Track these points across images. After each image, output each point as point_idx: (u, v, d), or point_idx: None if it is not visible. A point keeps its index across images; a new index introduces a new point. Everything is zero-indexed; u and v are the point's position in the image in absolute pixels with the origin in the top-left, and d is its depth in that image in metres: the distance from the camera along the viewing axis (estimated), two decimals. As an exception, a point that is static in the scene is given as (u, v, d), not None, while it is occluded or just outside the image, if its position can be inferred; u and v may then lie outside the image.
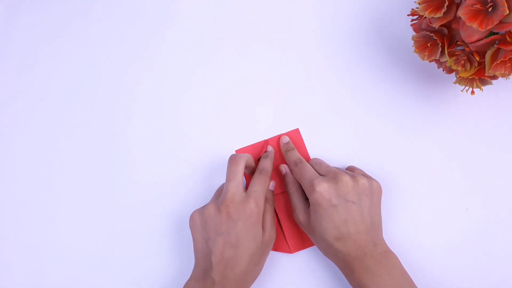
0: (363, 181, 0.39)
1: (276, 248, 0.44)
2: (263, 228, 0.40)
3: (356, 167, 0.44)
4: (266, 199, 0.42)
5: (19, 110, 0.49)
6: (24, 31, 0.51)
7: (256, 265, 0.39)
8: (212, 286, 0.36)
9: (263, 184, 0.40)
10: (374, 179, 0.41)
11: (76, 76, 0.50)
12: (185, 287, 0.38)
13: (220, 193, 0.42)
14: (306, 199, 0.41)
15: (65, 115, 0.49)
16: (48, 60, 0.50)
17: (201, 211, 0.40)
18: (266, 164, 0.43)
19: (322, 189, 0.37)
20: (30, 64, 0.50)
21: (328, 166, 0.41)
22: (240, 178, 0.39)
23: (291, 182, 0.43)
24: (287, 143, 0.44)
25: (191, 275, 0.39)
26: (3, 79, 0.50)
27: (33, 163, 0.48)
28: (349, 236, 0.37)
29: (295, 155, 0.43)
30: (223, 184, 0.43)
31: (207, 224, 0.39)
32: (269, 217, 0.41)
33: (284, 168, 0.44)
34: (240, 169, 0.40)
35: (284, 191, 0.45)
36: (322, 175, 0.40)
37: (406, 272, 0.38)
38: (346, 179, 0.38)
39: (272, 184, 0.44)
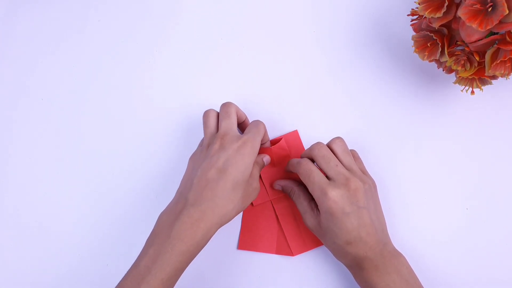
0: (369, 182, 0.39)
1: (278, 251, 0.44)
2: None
3: (358, 156, 0.43)
4: (255, 162, 0.40)
5: (19, 110, 0.49)
6: (24, 30, 0.51)
7: (238, 196, 0.37)
8: (183, 206, 0.35)
9: (258, 128, 0.40)
10: (369, 175, 0.42)
11: (76, 75, 0.50)
12: (159, 216, 0.37)
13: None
14: (310, 201, 0.41)
15: (65, 114, 0.49)
16: (48, 59, 0.50)
17: (197, 151, 0.40)
18: (259, 122, 0.42)
19: (335, 197, 0.37)
20: (30, 63, 0.50)
21: (336, 164, 0.39)
22: (233, 119, 0.39)
23: (292, 190, 0.42)
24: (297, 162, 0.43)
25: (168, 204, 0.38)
26: (3, 79, 0.50)
27: (33, 163, 0.48)
28: (360, 240, 0.37)
29: (292, 160, 0.42)
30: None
31: (200, 154, 0.39)
32: (255, 170, 0.40)
33: (278, 184, 0.44)
34: (233, 110, 0.40)
35: (284, 194, 0.45)
36: (329, 178, 0.38)
37: (413, 271, 0.38)
38: (358, 184, 0.37)
39: (266, 158, 0.43)
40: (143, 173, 0.47)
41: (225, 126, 0.39)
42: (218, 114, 0.42)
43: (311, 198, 0.41)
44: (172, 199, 0.38)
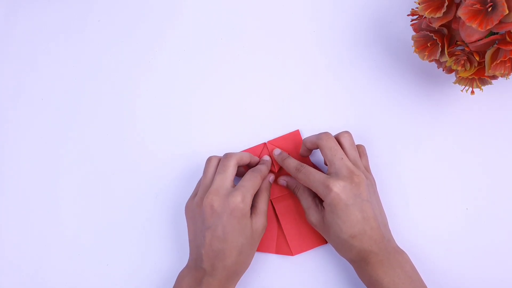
0: (370, 177, 0.40)
1: (277, 250, 0.44)
2: (253, 214, 0.40)
3: (365, 152, 0.43)
4: (262, 189, 0.42)
5: (20, 110, 0.49)
6: (24, 30, 0.51)
7: (246, 256, 0.39)
8: (203, 275, 0.37)
9: (253, 181, 0.40)
10: (371, 174, 0.42)
11: (76, 75, 0.50)
12: (180, 274, 0.39)
13: (205, 187, 0.41)
14: (314, 197, 0.41)
15: (65, 114, 0.49)
16: (48, 59, 0.50)
17: (192, 202, 0.41)
18: (261, 167, 0.43)
19: (339, 190, 0.37)
20: (30, 63, 0.50)
21: (341, 157, 0.39)
22: (229, 173, 0.39)
23: (297, 186, 0.43)
24: (280, 153, 0.43)
25: (186, 264, 0.40)
26: (3, 78, 0.50)
27: (32, 163, 0.48)
28: (364, 233, 0.37)
29: (293, 162, 0.42)
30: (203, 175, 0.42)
31: (195, 216, 0.39)
32: (262, 205, 0.41)
33: (282, 180, 0.44)
34: (231, 164, 0.40)
35: (284, 193, 0.45)
36: (332, 172, 0.39)
37: (415, 268, 0.38)
38: (361, 178, 0.38)
39: (271, 177, 0.44)
40: (143, 173, 0.47)
41: (218, 182, 0.39)
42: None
43: (315, 195, 0.41)
44: (189, 263, 0.40)
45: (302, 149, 0.43)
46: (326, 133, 0.40)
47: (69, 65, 0.50)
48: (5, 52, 0.51)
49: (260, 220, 0.40)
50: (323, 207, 0.39)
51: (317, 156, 0.46)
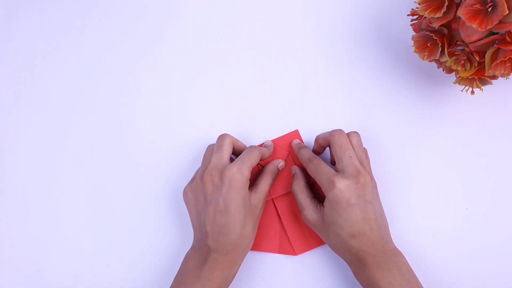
0: (374, 179, 0.40)
1: (280, 250, 0.44)
2: (253, 192, 0.41)
3: (367, 155, 0.44)
4: (267, 171, 0.43)
5: (19, 110, 0.49)
6: (24, 30, 0.51)
7: (250, 230, 0.39)
8: (208, 252, 0.38)
9: (249, 154, 0.40)
10: (373, 176, 0.42)
11: (76, 75, 0.50)
12: (186, 256, 0.40)
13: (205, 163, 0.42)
14: (313, 197, 0.41)
15: (65, 114, 0.49)
16: (48, 59, 0.50)
17: (191, 184, 0.41)
18: (261, 148, 0.43)
19: (343, 187, 0.37)
20: (30, 63, 0.50)
21: (350, 156, 0.39)
22: (225, 151, 0.41)
23: (297, 181, 0.43)
24: (298, 143, 0.45)
25: (192, 245, 0.41)
26: (3, 79, 0.50)
27: (32, 163, 0.48)
28: (364, 234, 0.37)
29: (308, 152, 0.42)
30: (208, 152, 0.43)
31: (197, 196, 0.40)
32: (264, 185, 0.41)
33: (294, 168, 0.44)
34: (226, 142, 0.41)
35: (287, 192, 0.45)
36: (339, 169, 0.39)
37: (412, 270, 0.38)
38: (367, 179, 0.38)
39: (281, 164, 0.44)
40: (143, 173, 0.47)
41: (215, 160, 0.40)
42: None
43: (312, 196, 0.41)
44: (194, 244, 0.41)
45: (314, 146, 0.44)
46: (340, 130, 0.41)
47: (69, 65, 0.50)
48: (5, 52, 0.51)
49: (258, 197, 0.40)
50: (323, 206, 0.39)
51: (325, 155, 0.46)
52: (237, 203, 0.38)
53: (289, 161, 0.45)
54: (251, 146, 0.42)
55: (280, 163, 0.44)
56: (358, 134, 0.42)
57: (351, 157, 0.39)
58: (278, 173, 0.44)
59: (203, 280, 0.38)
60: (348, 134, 0.41)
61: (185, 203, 0.42)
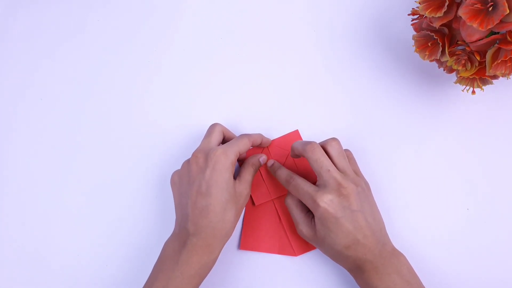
0: (362, 184, 0.39)
1: (281, 251, 0.44)
2: (237, 180, 0.40)
3: (352, 157, 0.43)
4: (249, 163, 0.42)
5: (19, 110, 0.49)
6: (24, 30, 0.51)
7: (231, 215, 0.38)
8: (187, 237, 0.37)
9: (238, 140, 0.40)
10: (362, 176, 0.41)
11: (76, 75, 0.49)
12: (166, 242, 0.39)
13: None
14: (308, 211, 0.41)
15: (65, 114, 0.49)
16: (48, 59, 0.50)
17: (178, 169, 0.42)
18: (251, 135, 0.43)
19: (326, 203, 0.37)
20: (29, 63, 0.50)
21: (328, 169, 0.38)
22: (214, 137, 0.41)
23: (291, 194, 0.42)
24: (272, 164, 0.44)
25: (172, 231, 0.40)
26: (3, 79, 0.50)
27: (32, 163, 0.48)
28: (358, 242, 0.37)
29: (284, 172, 0.42)
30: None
31: (182, 179, 0.40)
32: (247, 175, 0.41)
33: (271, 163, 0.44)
34: (216, 130, 0.41)
35: (286, 193, 0.44)
36: (320, 184, 0.38)
37: (413, 270, 0.38)
38: (349, 188, 0.37)
39: (263, 158, 0.44)
40: (143, 173, 0.47)
41: (203, 144, 0.41)
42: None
43: (307, 209, 0.41)
44: (174, 229, 0.40)
45: (291, 153, 0.43)
46: (312, 145, 0.39)
47: (69, 65, 0.50)
48: (5, 52, 0.50)
49: (243, 185, 0.40)
50: (315, 222, 0.38)
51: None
52: (220, 186, 0.38)
53: (289, 161, 0.45)
54: (241, 134, 0.42)
55: (262, 157, 0.43)
56: (337, 141, 0.40)
57: (329, 170, 0.38)
58: (260, 166, 0.43)
59: (182, 265, 0.37)
60: (326, 143, 0.40)
61: (171, 188, 0.42)
